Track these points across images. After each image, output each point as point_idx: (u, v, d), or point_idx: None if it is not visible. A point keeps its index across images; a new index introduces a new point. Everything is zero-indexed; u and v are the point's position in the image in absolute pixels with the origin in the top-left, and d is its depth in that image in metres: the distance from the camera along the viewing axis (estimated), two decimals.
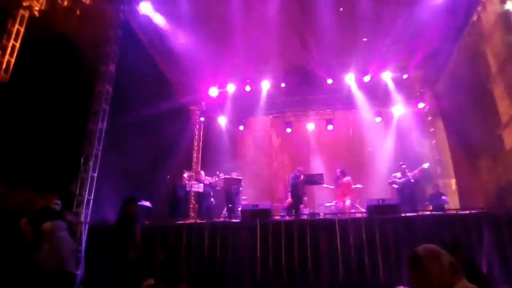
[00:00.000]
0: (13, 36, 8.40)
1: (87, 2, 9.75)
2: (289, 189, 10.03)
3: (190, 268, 7.12)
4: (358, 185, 10.85)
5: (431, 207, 9.78)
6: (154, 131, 10.80)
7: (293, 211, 9.90)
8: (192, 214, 11.71)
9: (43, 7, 9.21)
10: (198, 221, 9.03)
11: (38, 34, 8.85)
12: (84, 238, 7.77)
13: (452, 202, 11.32)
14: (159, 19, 10.86)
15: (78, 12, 9.57)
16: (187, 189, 10.51)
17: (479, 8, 10.26)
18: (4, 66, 8.13)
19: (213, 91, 13.87)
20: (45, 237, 5.72)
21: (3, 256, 5.70)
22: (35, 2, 9.02)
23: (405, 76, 12.99)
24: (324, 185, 10.84)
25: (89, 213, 8.11)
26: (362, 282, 6.78)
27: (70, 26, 9.35)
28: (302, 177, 10.08)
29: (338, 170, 11.04)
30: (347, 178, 10.79)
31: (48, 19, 9.13)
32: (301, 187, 10.03)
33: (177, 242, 7.50)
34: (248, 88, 13.72)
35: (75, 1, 9.68)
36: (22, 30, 8.61)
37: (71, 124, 8.73)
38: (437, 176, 12.54)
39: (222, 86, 13.81)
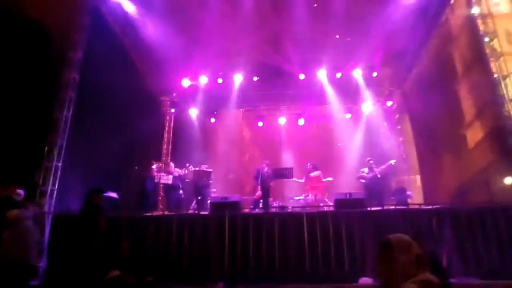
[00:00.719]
0: None
1: None
2: (258, 182, 10.07)
3: (157, 261, 7.04)
4: (329, 178, 10.99)
5: (396, 202, 10.06)
6: (123, 121, 10.57)
7: (261, 204, 9.96)
8: (161, 206, 11.57)
9: None
10: (166, 213, 8.91)
11: (6, 19, 8.52)
12: (47, 228, 7.55)
13: (417, 197, 11.70)
14: (130, 7, 10.63)
15: None
16: (156, 180, 10.37)
17: (448, 11, 10.57)
18: None
19: (185, 82, 13.74)
20: (10, 225, 5.55)
21: None
22: None
23: (374, 74, 13.30)
24: (294, 179, 10.94)
25: (53, 204, 7.88)
26: (328, 274, 6.91)
27: (38, 11, 9.05)
28: (267, 169, 10.18)
29: (308, 164, 11.17)
30: (317, 172, 10.94)
31: (16, 3, 8.80)
32: (267, 179, 10.11)
33: (144, 234, 7.40)
34: (220, 81, 13.68)
35: None
36: None
37: (36, 112, 8.47)
38: (403, 172, 12.90)
39: (194, 77, 13.69)
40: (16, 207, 6.03)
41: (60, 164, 8.15)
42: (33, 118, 8.42)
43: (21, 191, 6.80)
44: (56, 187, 8.03)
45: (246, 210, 9.23)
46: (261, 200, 10.04)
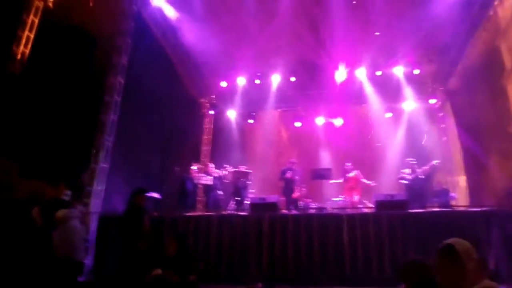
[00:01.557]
0: (27, 27, 8.52)
1: None
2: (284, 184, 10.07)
3: (198, 261, 7.20)
4: (371, 182, 10.78)
5: (439, 204, 9.73)
6: (165, 123, 10.89)
7: (293, 205, 9.91)
8: (200, 206, 11.79)
9: None
10: (206, 213, 9.08)
11: (53, 26, 8.96)
12: (94, 228, 7.89)
13: (462, 199, 11.25)
14: (170, 11, 10.91)
15: (91, 4, 9.64)
16: (196, 181, 10.58)
17: (496, 3, 10.08)
18: (19, 56, 8.25)
19: (223, 84, 13.90)
20: (58, 225, 5.82)
21: (13, 243, 5.81)
22: None
23: (417, 72, 12.85)
24: (331, 181, 10.84)
25: (100, 204, 8.21)
26: (369, 278, 6.79)
27: (83, 18, 9.45)
28: (292, 173, 10.19)
29: (347, 164, 11.03)
30: (354, 173, 10.77)
31: (62, 10, 9.23)
32: (295, 180, 10.04)
33: (186, 233, 7.58)
34: (257, 82, 13.74)
35: None
36: (37, 21, 8.72)
37: (83, 115, 8.84)
38: (447, 173, 12.42)
39: (232, 79, 13.83)
40: (65, 207, 6.31)
41: (106, 165, 8.47)
42: (81, 121, 8.79)
43: (68, 192, 7.12)
44: (103, 187, 8.35)
45: (285, 211, 9.24)
46: (299, 201, 10.04)
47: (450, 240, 2.24)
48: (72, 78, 8.80)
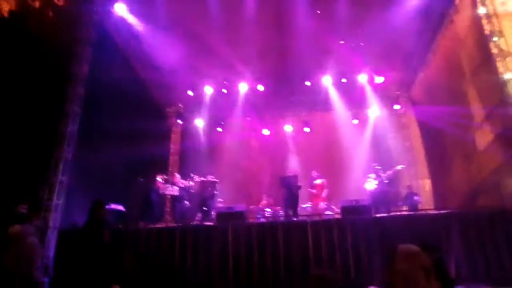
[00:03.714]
0: None
1: (60, 4, 9.58)
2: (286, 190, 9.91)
3: (160, 274, 7.02)
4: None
5: (405, 208, 9.91)
6: (129, 133, 10.64)
7: (291, 211, 9.79)
8: (168, 217, 11.58)
9: (12, 8, 9.02)
10: (169, 225, 8.91)
11: (8, 35, 8.65)
12: (53, 243, 7.58)
13: (427, 202, 11.49)
14: (133, 20, 10.75)
15: (50, 14, 9.40)
16: (161, 192, 10.39)
17: (452, 12, 10.44)
18: None
19: (190, 93, 13.78)
20: (13, 241, 5.56)
21: None
22: (4, 3, 8.83)
23: (380, 79, 13.15)
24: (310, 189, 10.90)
25: (59, 218, 7.91)
26: None
27: (42, 27, 9.18)
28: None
29: (313, 172, 11.10)
30: (321, 180, 10.86)
31: (18, 20, 8.94)
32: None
33: (148, 247, 7.40)
34: (224, 91, 13.69)
35: (47, 2, 9.50)
36: None
37: (41, 127, 8.52)
38: (411, 177, 12.70)
39: (199, 87, 13.73)
40: (21, 220, 6.04)
41: (65, 178, 8.19)
42: (40, 132, 8.48)
43: (25, 206, 6.84)
44: (61, 201, 8.05)
45: (252, 220, 9.17)
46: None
47: (399, 245, 2.28)
48: (29, 89, 8.50)
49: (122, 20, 10.60)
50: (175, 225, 8.47)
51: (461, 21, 10.33)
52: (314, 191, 10.98)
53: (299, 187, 9.72)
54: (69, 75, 9.08)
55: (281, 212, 10.36)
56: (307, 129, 13.97)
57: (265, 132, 14.30)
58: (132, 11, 10.58)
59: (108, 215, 7.01)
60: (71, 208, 8.28)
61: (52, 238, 7.61)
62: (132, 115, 10.74)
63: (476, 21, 9.39)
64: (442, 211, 7.64)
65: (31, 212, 6.89)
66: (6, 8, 8.83)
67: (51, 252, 7.52)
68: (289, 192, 9.58)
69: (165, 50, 11.36)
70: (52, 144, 8.33)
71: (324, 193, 10.83)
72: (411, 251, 2.24)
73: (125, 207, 9.26)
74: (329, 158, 13.21)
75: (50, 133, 8.38)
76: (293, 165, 13.20)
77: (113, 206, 8.67)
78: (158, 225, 8.58)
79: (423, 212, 8.51)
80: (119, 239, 7.38)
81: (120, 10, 10.35)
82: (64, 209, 8.11)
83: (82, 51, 9.27)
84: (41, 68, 8.77)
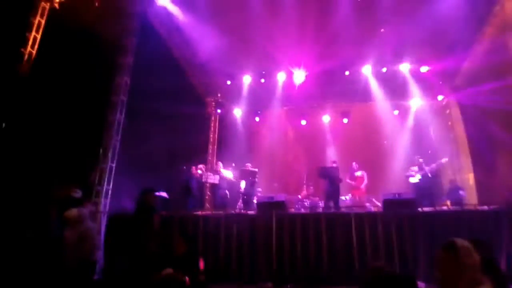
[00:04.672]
0: (34, 27, 8.53)
1: None
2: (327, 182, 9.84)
3: (207, 260, 7.20)
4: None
5: (448, 202, 9.66)
6: (171, 122, 10.87)
7: (332, 203, 9.73)
8: (208, 205, 11.80)
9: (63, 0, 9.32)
10: (214, 212, 9.08)
11: (59, 26, 8.96)
12: (103, 227, 7.91)
13: (470, 197, 11.17)
14: (175, 11, 10.89)
15: (97, 4, 9.64)
16: (203, 180, 10.58)
17: None
18: (26, 57, 8.26)
19: (229, 83, 13.88)
20: (70, 224, 5.80)
21: (32, 246, 5.82)
22: None
23: (424, 69, 12.77)
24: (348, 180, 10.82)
25: (108, 203, 8.23)
26: None
27: (89, 18, 9.42)
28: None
29: (354, 164, 10.99)
30: (361, 172, 10.75)
31: (68, 11, 9.23)
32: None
33: (195, 233, 7.58)
34: (262, 80, 13.69)
35: None
36: (43, 22, 8.73)
37: (90, 116, 8.84)
38: (455, 171, 12.34)
39: (238, 77, 13.80)
40: (76, 204, 6.31)
41: (113, 165, 8.49)
42: (88, 121, 8.79)
43: (79, 190, 7.14)
44: (110, 187, 8.36)
45: (292, 210, 9.22)
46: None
47: (454, 238, 2.31)
48: (78, 79, 8.79)
49: (164, 9, 10.75)
50: (219, 212, 8.60)
51: (510, 8, 9.86)
52: (353, 183, 10.90)
53: (340, 179, 9.65)
54: (116, 65, 9.34)
55: (321, 203, 10.36)
56: (345, 120, 13.81)
57: (303, 122, 14.22)
58: (174, 1, 10.71)
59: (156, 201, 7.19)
60: (118, 194, 8.57)
61: (102, 222, 7.95)
62: (173, 104, 10.93)
63: None
64: (490, 207, 7.39)
65: (83, 197, 7.22)
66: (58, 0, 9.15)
67: (101, 236, 7.85)
68: (330, 183, 9.52)
69: (205, 40, 11.46)
70: (101, 132, 8.65)
71: (363, 185, 10.74)
72: (469, 246, 2.27)
73: (168, 194, 9.51)
74: (368, 149, 12.99)
75: (99, 121, 8.69)
76: (331, 156, 13.07)
77: (158, 193, 8.91)
78: (203, 212, 8.76)
79: (471, 207, 8.27)
80: (166, 225, 7.59)
81: (163, 0, 10.48)
82: (112, 194, 8.43)
83: (127, 41, 9.51)
84: (89, 58, 9.05)
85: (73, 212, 5.88)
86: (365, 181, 10.79)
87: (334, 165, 10.29)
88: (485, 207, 7.53)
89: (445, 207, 8.42)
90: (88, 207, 6.75)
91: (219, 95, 14.74)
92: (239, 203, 10.61)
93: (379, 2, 10.22)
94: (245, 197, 10.40)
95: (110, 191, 8.35)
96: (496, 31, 10.56)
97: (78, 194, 7.00)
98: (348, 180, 10.97)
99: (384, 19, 10.81)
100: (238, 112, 15.03)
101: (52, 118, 8.21)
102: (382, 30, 11.57)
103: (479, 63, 11.56)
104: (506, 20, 10.14)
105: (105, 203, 8.16)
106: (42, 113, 8.11)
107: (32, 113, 7.93)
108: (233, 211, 9.34)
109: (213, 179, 10.57)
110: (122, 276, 6.64)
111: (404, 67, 12.95)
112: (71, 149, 8.34)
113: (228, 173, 10.99)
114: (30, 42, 8.46)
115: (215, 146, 14.48)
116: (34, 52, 8.52)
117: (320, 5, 11.04)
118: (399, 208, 7.51)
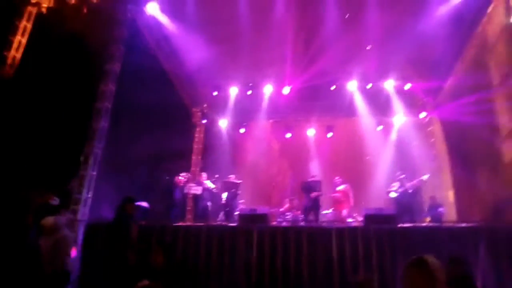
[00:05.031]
0: (20, 31, 8.46)
1: (95, 1, 9.79)
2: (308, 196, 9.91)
3: (186, 271, 7.13)
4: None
5: (428, 219, 9.78)
6: (156, 131, 10.80)
7: (312, 217, 9.77)
8: (189, 216, 11.70)
9: (51, 5, 9.27)
10: (195, 224, 9.01)
11: (45, 31, 8.89)
12: (80, 236, 7.76)
13: (450, 214, 11.33)
14: (165, 20, 10.91)
15: (85, 11, 9.61)
16: (185, 191, 10.51)
17: (485, 20, 10.28)
18: (9, 61, 8.16)
19: (215, 93, 13.90)
20: (46, 233, 5.69)
21: (7, 254, 5.68)
22: (45, 0, 9.09)
23: (408, 86, 13.02)
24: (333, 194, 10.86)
25: (87, 212, 8.10)
26: None
27: (77, 24, 9.39)
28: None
29: (336, 178, 11.06)
30: (344, 186, 10.81)
31: (55, 16, 9.18)
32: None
33: (174, 244, 7.50)
34: (249, 92, 13.76)
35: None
36: (29, 26, 8.66)
37: (73, 122, 8.74)
38: (435, 187, 12.51)
39: (224, 88, 13.84)
40: (52, 212, 6.20)
41: (94, 173, 8.37)
42: (71, 127, 8.68)
43: (56, 198, 7.03)
44: (90, 195, 8.24)
45: (274, 223, 9.20)
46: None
47: (421, 255, 2.29)
48: (63, 84, 8.71)
49: (153, 19, 10.76)
50: (201, 224, 8.53)
51: (492, 29, 10.16)
52: (337, 195, 10.95)
53: (321, 193, 9.72)
54: (102, 72, 9.27)
55: (302, 217, 10.37)
56: (330, 134, 13.94)
57: (288, 135, 14.29)
58: (164, 10, 10.73)
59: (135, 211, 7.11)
60: (98, 203, 8.44)
61: (79, 231, 7.79)
62: (159, 113, 10.90)
63: (508, 30, 9.23)
64: (469, 224, 7.51)
65: (61, 204, 7.11)
66: (44, 4, 9.10)
67: (78, 245, 7.69)
68: (311, 197, 9.58)
69: (193, 50, 11.49)
70: (83, 138, 8.53)
71: (350, 198, 10.79)
72: (438, 262, 2.26)
73: (149, 204, 9.41)
74: (351, 164, 13.13)
75: (82, 128, 8.58)
76: (315, 170, 13.14)
77: (139, 203, 8.81)
78: (184, 224, 8.68)
79: (449, 224, 8.38)
80: (145, 235, 7.49)
81: (152, 9, 10.49)
82: (92, 203, 8.29)
83: (115, 49, 9.45)
84: (75, 64, 8.99)
85: (50, 220, 5.78)
86: (350, 194, 10.83)
87: (314, 178, 10.36)
88: (464, 224, 7.63)
89: (424, 224, 8.49)
90: (65, 215, 6.65)
91: (205, 105, 14.75)
92: (220, 215, 10.54)
93: (365, 20, 10.41)
94: (227, 209, 10.35)
95: (90, 200, 8.21)
96: (477, 52, 10.86)
97: (55, 201, 6.91)
98: (331, 194, 11.02)
99: (370, 37, 11.01)
100: (223, 123, 15.04)
101: (33, 124, 8.10)
102: (368, 47, 11.78)
103: (460, 81, 11.84)
104: (486, 41, 10.44)
105: (84, 212, 8.01)
106: (23, 118, 7.99)
107: (12, 117, 7.81)
108: (214, 223, 9.27)
109: (195, 189, 10.50)
110: (98, 286, 6.54)
111: (389, 84, 13.18)
112: (51, 155, 8.21)
113: (211, 184, 10.94)
114: (15, 46, 8.37)
115: (199, 157, 14.41)
116: (18, 56, 8.43)
117: (307, 21, 11.22)
118: (379, 223, 7.57)
